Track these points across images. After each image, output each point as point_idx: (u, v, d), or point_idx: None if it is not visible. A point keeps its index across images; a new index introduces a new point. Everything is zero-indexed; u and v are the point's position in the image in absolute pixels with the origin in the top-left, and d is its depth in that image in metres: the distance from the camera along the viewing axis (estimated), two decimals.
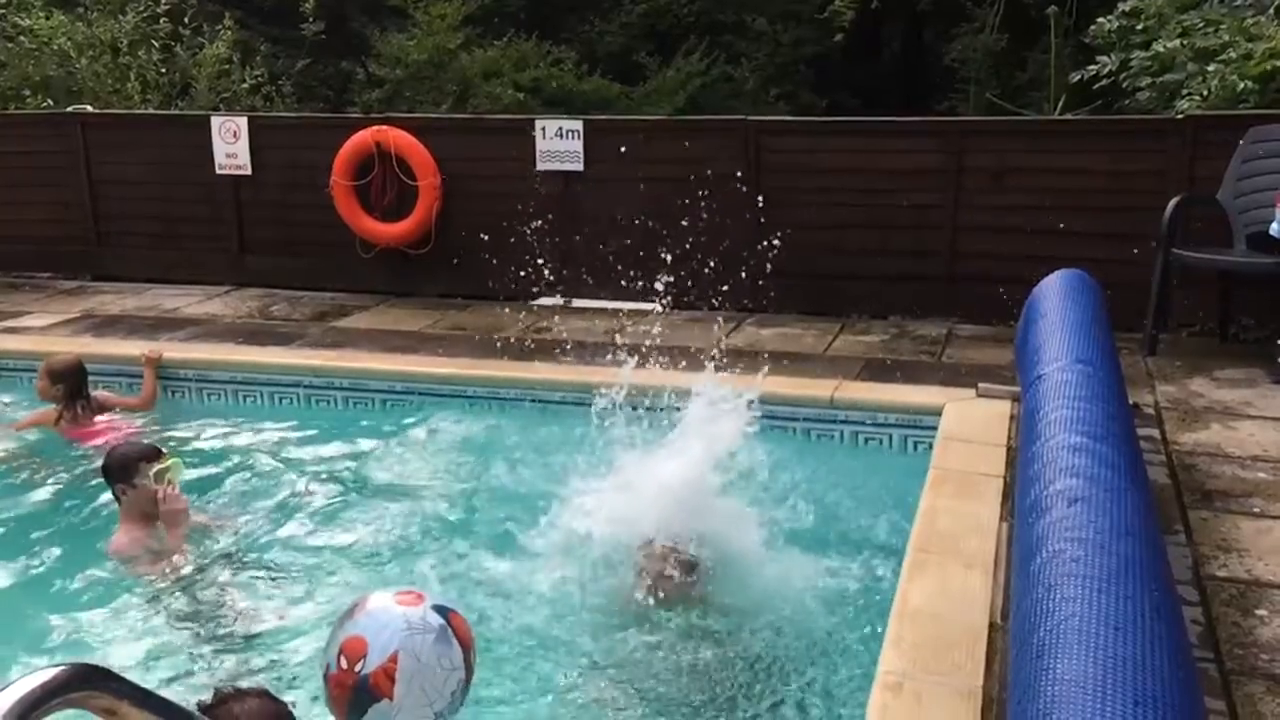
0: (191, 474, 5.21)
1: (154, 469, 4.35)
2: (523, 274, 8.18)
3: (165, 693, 1.56)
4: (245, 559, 4.49)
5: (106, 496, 4.72)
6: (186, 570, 4.31)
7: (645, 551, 4.04)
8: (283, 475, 5.38)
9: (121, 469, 4.41)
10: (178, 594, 4.17)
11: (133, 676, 1.48)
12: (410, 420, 6.04)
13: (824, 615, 3.79)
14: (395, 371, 6.30)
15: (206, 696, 2.41)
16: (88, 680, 1.36)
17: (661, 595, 3.90)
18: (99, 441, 5.62)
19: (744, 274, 7.64)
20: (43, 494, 5.24)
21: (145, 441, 4.82)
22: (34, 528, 4.84)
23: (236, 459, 5.60)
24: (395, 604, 2.10)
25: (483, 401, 6.07)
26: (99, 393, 6.11)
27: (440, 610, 2.10)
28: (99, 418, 5.91)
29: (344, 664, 2.02)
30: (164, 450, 4.54)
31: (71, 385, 5.84)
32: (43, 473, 5.46)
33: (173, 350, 6.67)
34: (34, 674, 1.30)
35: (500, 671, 3.58)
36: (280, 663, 3.65)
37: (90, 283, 9.00)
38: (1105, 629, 2.08)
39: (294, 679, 3.47)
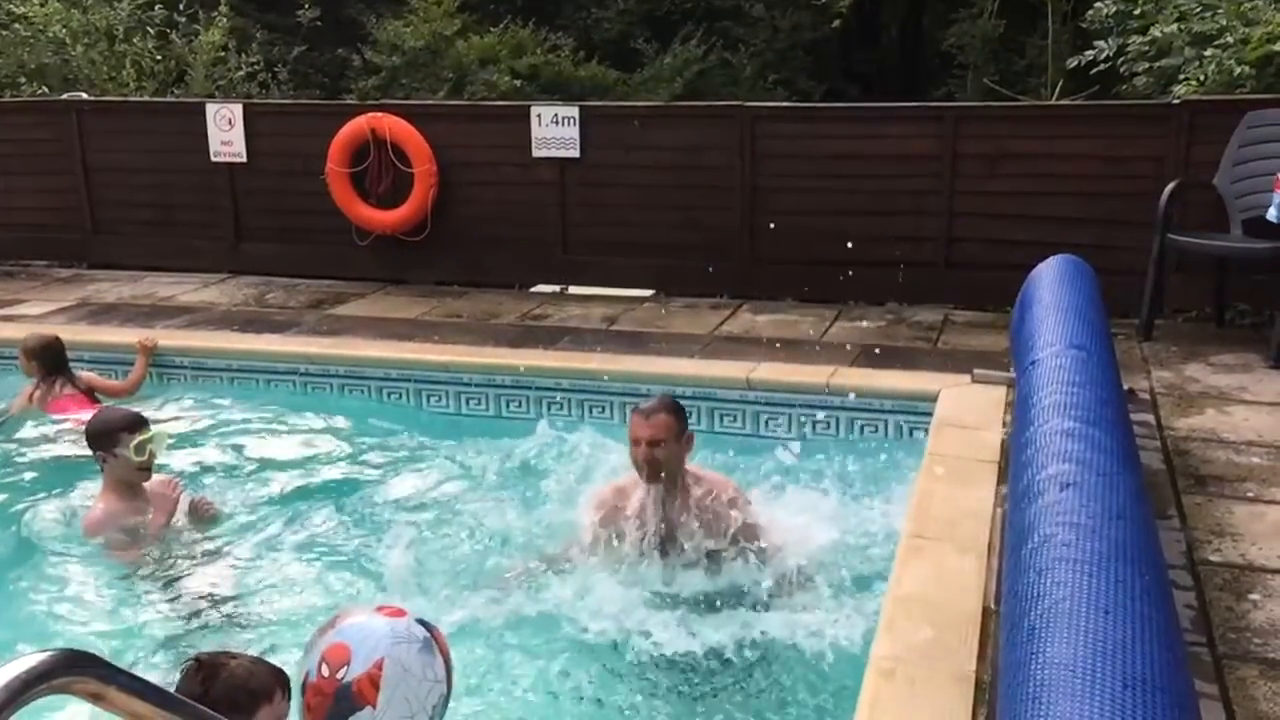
0: (187, 461, 5.23)
1: (136, 439, 4.27)
2: (519, 261, 8.20)
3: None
4: (233, 547, 4.47)
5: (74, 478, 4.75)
6: (166, 556, 4.29)
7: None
8: (277, 463, 5.39)
9: (103, 436, 4.33)
10: (156, 579, 4.14)
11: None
12: (406, 408, 6.04)
13: (816, 600, 3.79)
14: (391, 359, 6.29)
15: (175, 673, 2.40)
16: (74, 666, 1.35)
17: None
18: (72, 418, 5.62)
19: (740, 260, 7.66)
20: (11, 474, 5.26)
21: (131, 410, 4.74)
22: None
23: (230, 446, 5.60)
24: (378, 615, 2.07)
25: (480, 389, 6.06)
26: (83, 373, 6.09)
27: (424, 624, 2.07)
28: (68, 392, 5.85)
29: (325, 671, 1.98)
30: (147, 420, 4.45)
31: (46, 361, 5.82)
32: (13, 450, 5.46)
33: (168, 338, 6.68)
34: (17, 660, 1.29)
35: (488, 665, 3.58)
36: (263, 652, 3.63)
37: (86, 270, 8.99)
38: (1095, 613, 2.08)
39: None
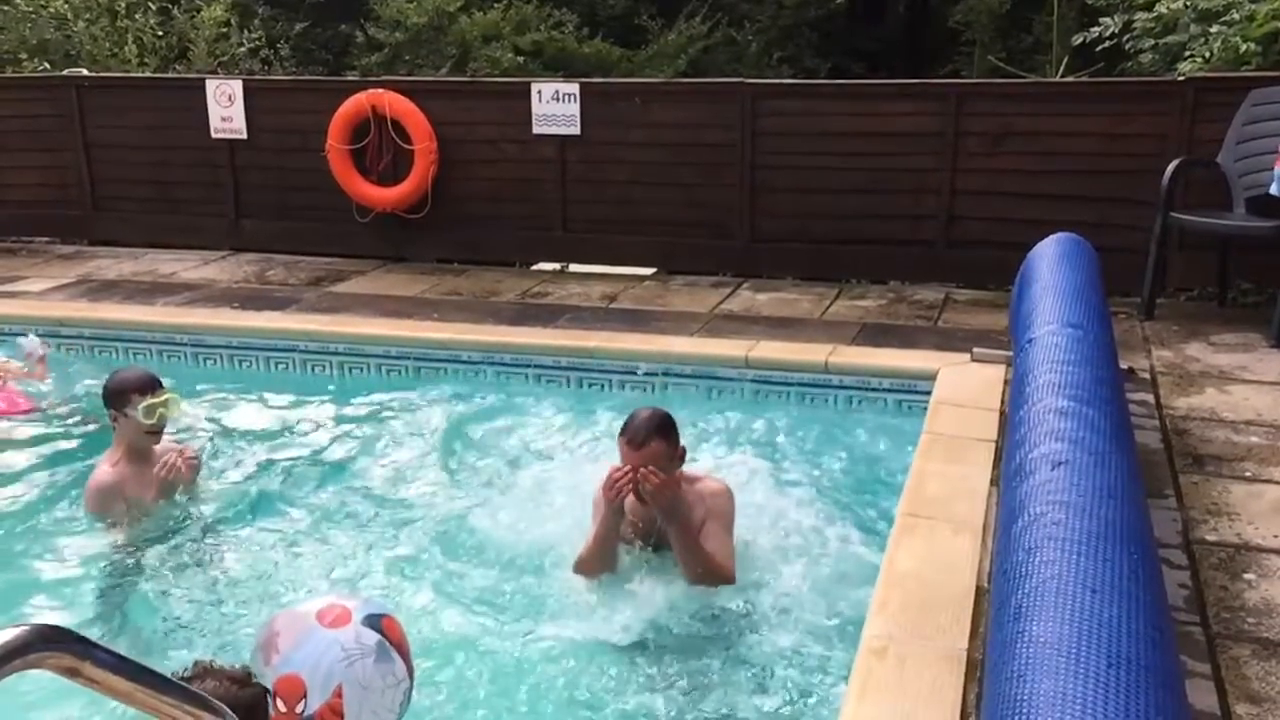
0: (186, 437, 5.23)
1: (146, 402, 4.20)
2: (519, 238, 8.17)
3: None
4: (230, 525, 4.46)
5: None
6: (163, 530, 4.28)
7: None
8: (277, 441, 5.38)
9: (116, 394, 4.27)
10: (151, 554, 4.13)
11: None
12: (406, 385, 6.04)
13: (811, 580, 3.79)
14: (391, 336, 6.28)
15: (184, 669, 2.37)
16: (48, 641, 1.33)
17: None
18: None
19: (741, 238, 7.64)
20: None
21: (147, 371, 4.58)
22: None
23: (230, 423, 5.59)
24: (322, 628, 1.94)
25: (479, 367, 6.06)
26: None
27: (372, 622, 1.97)
28: None
29: (282, 707, 1.90)
30: (161, 383, 4.34)
31: None
32: None
33: (169, 315, 6.68)
34: None
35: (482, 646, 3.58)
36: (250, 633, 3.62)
37: (88, 248, 8.99)
38: (1083, 591, 2.08)
39: None
